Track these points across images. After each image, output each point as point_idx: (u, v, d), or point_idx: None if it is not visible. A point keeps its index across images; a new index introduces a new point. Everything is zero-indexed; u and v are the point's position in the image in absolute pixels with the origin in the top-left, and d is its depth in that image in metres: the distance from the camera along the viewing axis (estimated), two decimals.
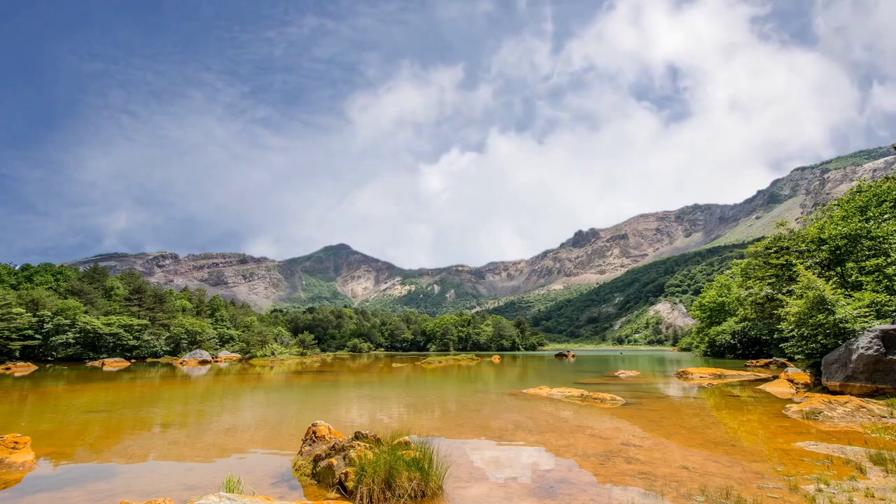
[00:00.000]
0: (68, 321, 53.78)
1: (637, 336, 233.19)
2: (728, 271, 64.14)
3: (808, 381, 16.79)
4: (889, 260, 17.86)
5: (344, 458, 6.13)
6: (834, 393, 13.35)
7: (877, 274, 18.11)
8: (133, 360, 54.87)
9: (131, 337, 59.81)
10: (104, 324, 56.89)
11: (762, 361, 34.45)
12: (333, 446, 6.52)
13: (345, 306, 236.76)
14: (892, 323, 14.29)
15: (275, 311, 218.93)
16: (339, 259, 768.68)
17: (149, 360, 59.07)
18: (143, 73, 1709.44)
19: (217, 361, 53.97)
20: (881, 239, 18.82)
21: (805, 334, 16.22)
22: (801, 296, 16.59)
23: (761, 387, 18.31)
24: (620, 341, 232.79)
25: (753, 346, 47.20)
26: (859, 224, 19.83)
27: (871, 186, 23.12)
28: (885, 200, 20.93)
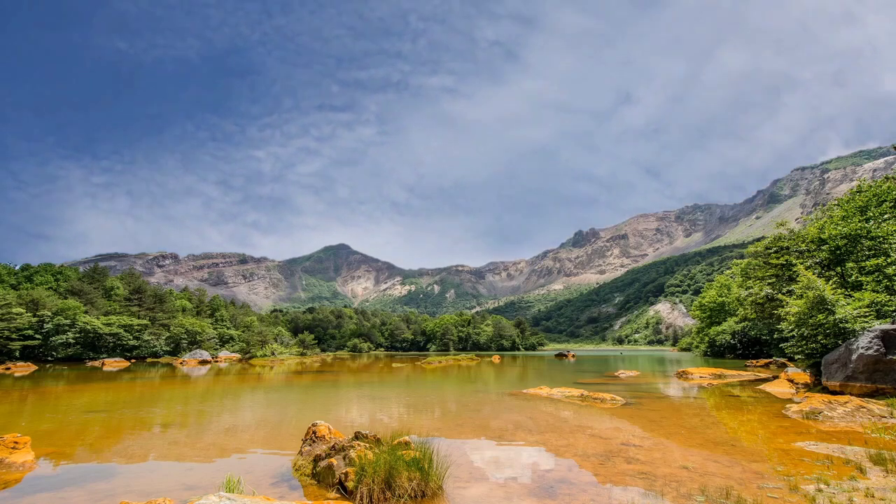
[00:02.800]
0: (68, 321, 53.78)
1: (637, 336, 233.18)
2: (728, 271, 64.14)
3: (808, 381, 16.79)
4: (889, 260, 17.86)
5: (344, 458, 6.13)
6: (834, 393, 13.35)
7: (877, 274, 18.11)
8: (133, 360, 54.86)
9: (131, 337, 59.81)
10: (104, 324, 56.89)
11: (762, 361, 34.45)
12: (333, 446, 6.52)
13: (345, 306, 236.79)
14: (892, 323, 14.29)
15: (275, 311, 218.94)
16: (339, 259, 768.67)
17: (149, 360, 59.07)
18: (147, 184, 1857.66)
19: (217, 361, 53.97)
20: (881, 239, 18.82)
21: (805, 334, 16.22)
22: (801, 296, 16.59)
23: (761, 387, 18.31)
24: (620, 341, 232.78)
25: (753, 346, 47.20)
26: (859, 224, 19.83)
27: (871, 186, 23.12)
28: (885, 200, 20.93)
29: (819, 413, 10.90)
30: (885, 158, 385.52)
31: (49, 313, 53.85)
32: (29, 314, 51.29)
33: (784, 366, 29.81)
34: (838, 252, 20.52)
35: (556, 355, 62.74)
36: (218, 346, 71.68)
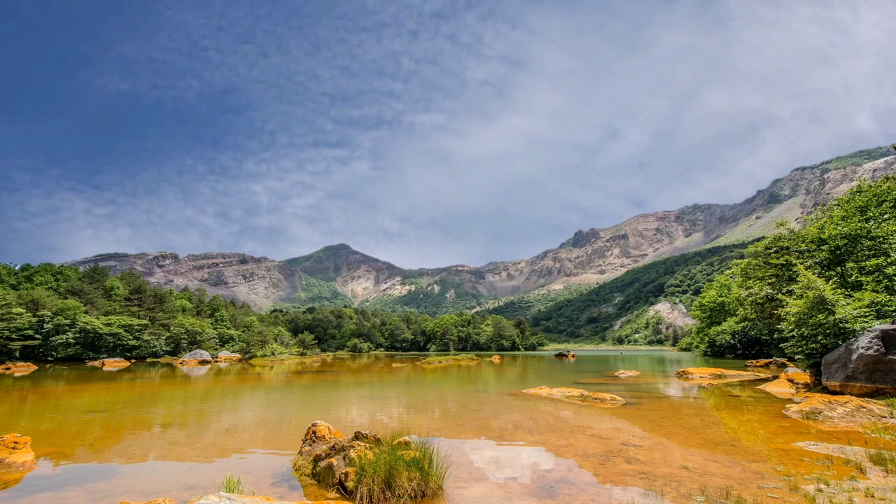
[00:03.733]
0: (68, 321, 53.77)
1: (637, 336, 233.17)
2: (728, 271, 64.14)
3: (808, 381, 16.78)
4: (889, 260, 17.87)
5: (344, 458, 6.13)
6: (834, 393, 13.35)
7: (877, 274, 18.12)
8: (133, 360, 54.86)
9: (131, 337, 59.81)
10: (104, 324, 56.89)
11: (762, 361, 34.43)
12: (333, 446, 6.52)
13: (345, 306, 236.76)
14: (892, 323, 14.28)
15: (275, 311, 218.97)
16: (339, 259, 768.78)
17: (149, 360, 59.07)
18: (148, 215, 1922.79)
19: (217, 361, 53.97)
20: (881, 239, 18.82)
21: (805, 334, 16.21)
22: (801, 296, 16.58)
23: (761, 387, 18.31)
24: (620, 341, 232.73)
25: (753, 346, 47.20)
26: (859, 224, 19.83)
27: (871, 186, 23.12)
28: (885, 200, 20.93)
29: (819, 413, 10.90)
30: (885, 158, 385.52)
31: (49, 313, 53.85)
32: (29, 314, 51.30)
33: (784, 366, 29.81)
34: (838, 252, 20.52)
35: (556, 355, 62.74)
36: (218, 346, 71.68)
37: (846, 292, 17.64)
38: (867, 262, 18.56)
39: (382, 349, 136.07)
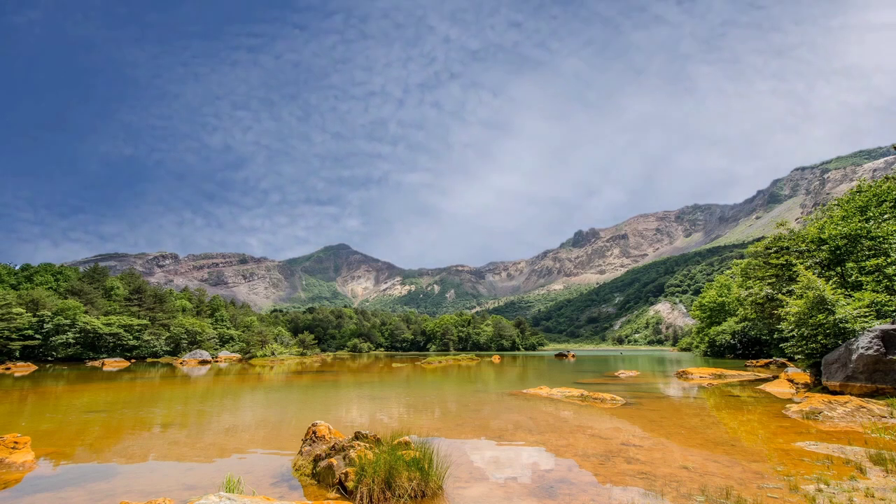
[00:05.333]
0: (68, 321, 53.77)
1: (637, 336, 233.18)
2: (728, 271, 64.15)
3: (808, 381, 16.79)
4: (889, 260, 17.86)
5: (344, 458, 6.13)
6: (834, 393, 13.35)
7: (877, 274, 18.12)
8: (133, 360, 54.86)
9: (131, 337, 59.81)
10: (104, 324, 56.89)
11: (762, 361, 34.43)
12: (333, 446, 6.52)
13: (345, 306, 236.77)
14: (892, 323, 14.28)
15: (275, 311, 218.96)
16: (339, 259, 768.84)
17: (149, 360, 59.07)
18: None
19: (217, 361, 53.97)
20: (881, 239, 18.82)
21: (805, 334, 16.21)
22: (801, 296, 16.58)
23: (761, 387, 18.30)
24: (620, 341, 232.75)
25: (753, 346, 47.20)
26: (859, 224, 19.83)
27: (871, 186, 23.12)
28: (885, 200, 20.93)
29: (819, 413, 10.90)
30: (885, 158, 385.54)
31: (49, 313, 53.85)
32: (29, 314, 51.30)
33: (784, 366, 29.81)
34: (838, 252, 20.52)
35: (556, 355, 62.74)
36: (218, 346, 71.68)
37: (846, 292, 17.64)
38: (867, 262, 18.56)
39: (382, 349, 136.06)
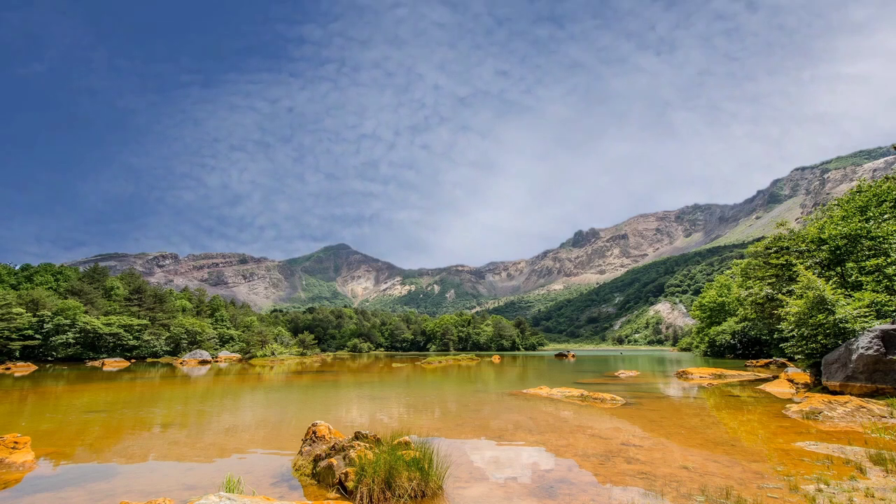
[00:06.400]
0: (68, 321, 53.78)
1: (637, 336, 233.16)
2: (728, 271, 64.15)
3: (808, 381, 16.79)
4: (889, 260, 17.86)
5: (344, 458, 6.13)
6: (834, 393, 13.35)
7: (877, 274, 18.12)
8: (133, 360, 54.86)
9: (131, 337, 59.81)
10: (104, 324, 56.89)
11: (762, 361, 34.43)
12: (333, 446, 6.52)
13: (345, 306, 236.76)
14: (892, 323, 14.28)
15: (275, 311, 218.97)
16: (339, 259, 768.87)
17: (149, 360, 59.07)
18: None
19: (217, 361, 53.97)
20: (881, 239, 18.82)
21: (805, 334, 16.21)
22: (801, 296, 16.58)
23: (761, 387, 18.31)
24: (620, 341, 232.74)
25: (753, 346, 47.21)
26: (859, 224, 19.83)
27: (871, 186, 23.12)
28: (885, 200, 20.93)
29: (819, 413, 10.90)
30: (885, 158, 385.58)
31: (49, 313, 53.85)
32: (29, 314, 51.30)
33: (784, 366, 29.80)
34: (838, 252, 20.52)
35: (556, 355, 62.74)
36: (218, 346, 71.67)
37: (846, 292, 17.64)
38: (867, 262, 18.56)
39: (382, 349, 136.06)
